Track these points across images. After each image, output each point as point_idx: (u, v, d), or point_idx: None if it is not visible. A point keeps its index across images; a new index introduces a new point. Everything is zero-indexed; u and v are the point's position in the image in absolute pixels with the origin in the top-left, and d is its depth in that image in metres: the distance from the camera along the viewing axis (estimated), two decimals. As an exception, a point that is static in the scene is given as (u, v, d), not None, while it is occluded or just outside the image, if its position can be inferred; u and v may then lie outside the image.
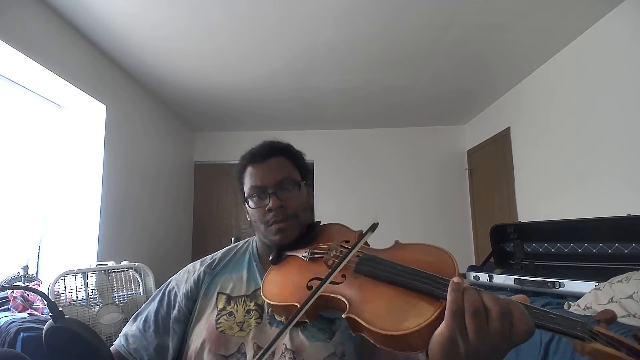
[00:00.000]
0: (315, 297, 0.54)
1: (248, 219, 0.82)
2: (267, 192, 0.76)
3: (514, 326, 0.45)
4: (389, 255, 0.62)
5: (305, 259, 0.71)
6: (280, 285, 0.68)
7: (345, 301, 0.55)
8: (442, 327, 0.46)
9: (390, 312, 0.51)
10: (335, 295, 0.58)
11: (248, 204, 0.79)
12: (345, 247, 0.68)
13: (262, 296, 0.67)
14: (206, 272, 0.80)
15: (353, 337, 0.53)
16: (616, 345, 0.41)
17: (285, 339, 0.66)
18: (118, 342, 0.76)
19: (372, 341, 0.51)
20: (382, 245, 0.67)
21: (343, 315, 0.54)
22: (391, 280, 0.55)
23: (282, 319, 0.66)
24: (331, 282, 0.61)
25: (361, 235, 0.61)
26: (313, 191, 4.67)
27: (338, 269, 0.57)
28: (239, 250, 0.86)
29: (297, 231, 0.76)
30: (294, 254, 0.74)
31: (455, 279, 0.47)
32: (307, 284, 0.64)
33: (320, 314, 0.65)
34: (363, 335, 0.52)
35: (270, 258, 0.75)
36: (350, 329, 0.55)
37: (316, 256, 0.70)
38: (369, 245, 0.72)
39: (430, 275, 0.52)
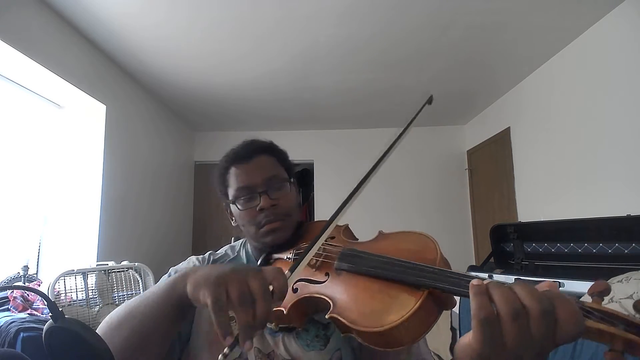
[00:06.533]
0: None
1: (233, 224, 0.79)
2: (256, 192, 0.72)
3: (559, 326, 0.35)
4: (370, 247, 0.60)
5: (289, 260, 0.68)
6: None
7: (329, 300, 0.53)
8: (470, 341, 0.39)
9: (372, 308, 0.49)
10: (319, 295, 0.55)
11: (236, 207, 0.74)
12: (328, 244, 0.65)
13: None
14: None
15: (349, 339, 0.51)
16: (612, 320, 0.36)
17: (281, 349, 0.64)
18: None
19: (360, 340, 0.48)
20: (368, 238, 0.66)
21: (326, 316, 0.51)
22: (371, 273, 0.53)
23: (272, 325, 0.64)
24: (314, 282, 0.59)
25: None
26: (311, 192, 4.67)
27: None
28: (239, 252, 0.84)
29: (291, 230, 0.74)
30: (280, 256, 0.71)
31: (474, 282, 0.39)
32: (293, 287, 0.61)
33: (314, 318, 0.63)
34: (352, 335, 0.49)
35: (259, 263, 0.73)
36: (339, 330, 0.52)
37: (299, 257, 0.68)
38: (356, 239, 0.70)
39: (410, 264, 0.50)
